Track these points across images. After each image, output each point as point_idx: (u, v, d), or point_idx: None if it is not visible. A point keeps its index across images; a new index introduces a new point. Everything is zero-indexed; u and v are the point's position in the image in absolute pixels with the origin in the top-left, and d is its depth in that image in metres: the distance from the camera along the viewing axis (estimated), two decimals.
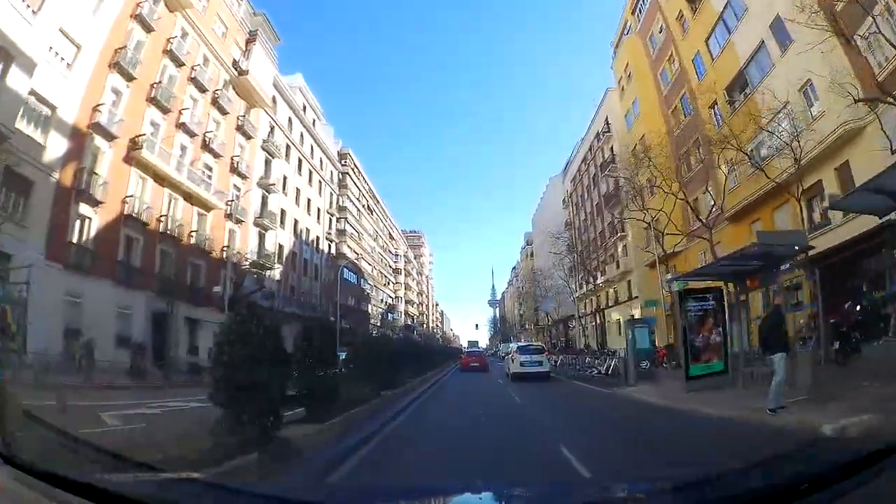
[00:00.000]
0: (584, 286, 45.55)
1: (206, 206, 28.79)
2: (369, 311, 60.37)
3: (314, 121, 47.02)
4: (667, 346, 23.08)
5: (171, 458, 4.02)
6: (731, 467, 2.14)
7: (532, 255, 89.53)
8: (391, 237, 79.99)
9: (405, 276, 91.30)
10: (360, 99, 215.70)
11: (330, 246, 47.85)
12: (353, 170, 56.07)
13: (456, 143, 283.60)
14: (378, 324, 61.95)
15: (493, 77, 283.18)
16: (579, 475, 4.95)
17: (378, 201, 69.42)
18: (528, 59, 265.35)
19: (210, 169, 30.12)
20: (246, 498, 1.94)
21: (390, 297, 76.48)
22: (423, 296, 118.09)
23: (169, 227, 25.60)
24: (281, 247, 37.92)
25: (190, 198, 27.52)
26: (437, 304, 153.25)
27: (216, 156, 30.32)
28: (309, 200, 44.10)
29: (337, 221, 51.08)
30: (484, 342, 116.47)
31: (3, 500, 1.53)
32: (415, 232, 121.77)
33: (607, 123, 40.98)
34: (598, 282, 39.35)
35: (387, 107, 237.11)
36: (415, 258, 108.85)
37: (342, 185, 52.91)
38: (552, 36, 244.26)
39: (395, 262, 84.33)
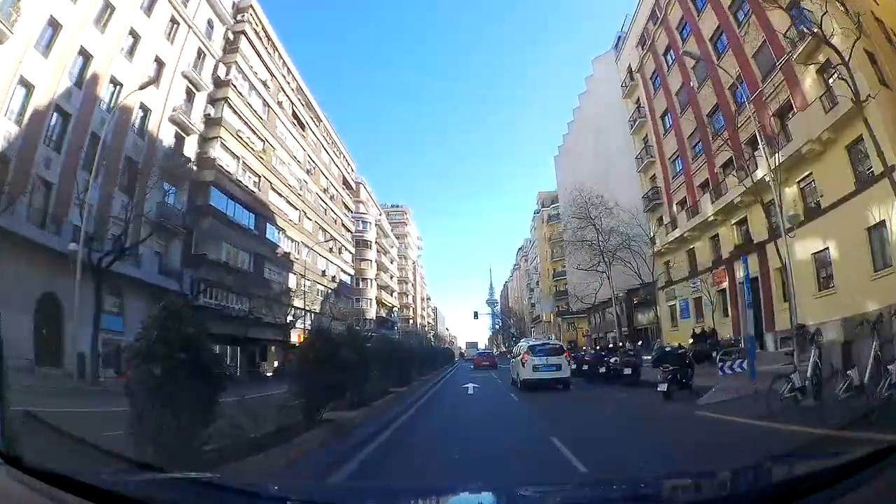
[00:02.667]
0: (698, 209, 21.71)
1: None
2: (290, 284, 36.60)
3: None
4: None
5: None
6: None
7: (547, 220, 66.87)
8: (347, 185, 55.64)
9: (378, 252, 67.49)
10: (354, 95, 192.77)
11: (182, 139, 24.30)
12: (258, 36, 32.52)
13: (454, 136, 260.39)
14: (315, 308, 38.26)
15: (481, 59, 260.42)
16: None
17: (321, 120, 45.48)
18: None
19: None
20: (246, 498, 1.82)
21: (346, 273, 52.53)
22: (408, 284, 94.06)
23: None
24: (30, 86, 14.76)
25: None
26: (428, 299, 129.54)
27: None
28: (133, 30, 20.82)
29: (211, 104, 27.54)
30: (483, 342, 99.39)
31: (3, 500, 1.47)
32: (397, 206, 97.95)
33: None
34: (762, 173, 15.90)
35: (382, 95, 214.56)
36: (396, 236, 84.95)
37: (232, 48, 29.49)
38: None
39: (361, 228, 60.67)
